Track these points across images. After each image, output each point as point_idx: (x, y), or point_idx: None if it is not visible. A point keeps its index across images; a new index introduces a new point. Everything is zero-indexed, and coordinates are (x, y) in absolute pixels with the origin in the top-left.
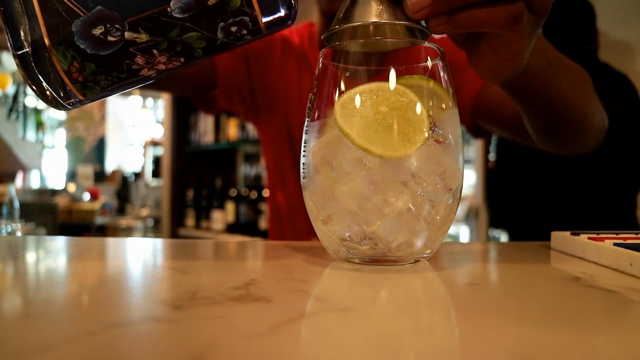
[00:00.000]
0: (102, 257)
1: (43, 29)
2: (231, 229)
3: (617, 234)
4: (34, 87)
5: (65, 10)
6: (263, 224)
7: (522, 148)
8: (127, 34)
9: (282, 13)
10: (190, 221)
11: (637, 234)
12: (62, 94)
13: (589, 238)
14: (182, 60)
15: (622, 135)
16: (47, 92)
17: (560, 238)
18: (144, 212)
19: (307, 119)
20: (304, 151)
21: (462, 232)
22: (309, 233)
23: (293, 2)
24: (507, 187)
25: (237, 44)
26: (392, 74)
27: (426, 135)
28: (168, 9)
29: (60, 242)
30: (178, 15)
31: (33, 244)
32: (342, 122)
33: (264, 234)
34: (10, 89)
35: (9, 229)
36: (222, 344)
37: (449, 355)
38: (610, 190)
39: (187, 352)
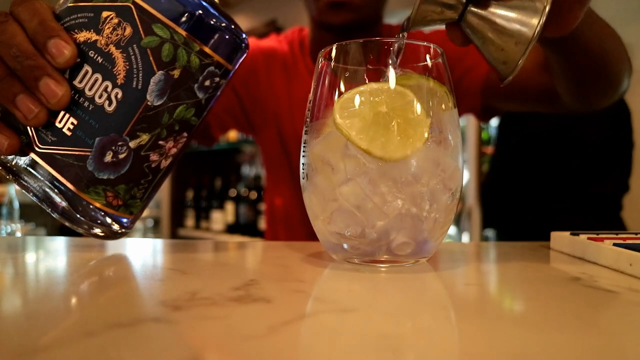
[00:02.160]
0: (101, 257)
1: (68, 184)
2: (231, 229)
3: (617, 234)
4: (89, 233)
5: (74, 159)
6: (263, 224)
7: (518, 148)
8: (131, 144)
9: (235, 44)
10: (190, 221)
11: (636, 234)
12: (113, 225)
13: (588, 238)
14: (185, 134)
15: (611, 138)
16: (101, 231)
17: (559, 238)
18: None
19: (306, 119)
20: (303, 152)
21: (452, 233)
22: (306, 239)
23: (238, 29)
24: (501, 185)
25: (218, 92)
26: (392, 74)
27: (426, 135)
28: (148, 103)
29: (60, 243)
30: (159, 103)
31: (33, 245)
32: (342, 122)
33: (263, 235)
34: None
35: (9, 230)
36: (221, 344)
37: (448, 355)
38: (598, 191)
39: (187, 352)
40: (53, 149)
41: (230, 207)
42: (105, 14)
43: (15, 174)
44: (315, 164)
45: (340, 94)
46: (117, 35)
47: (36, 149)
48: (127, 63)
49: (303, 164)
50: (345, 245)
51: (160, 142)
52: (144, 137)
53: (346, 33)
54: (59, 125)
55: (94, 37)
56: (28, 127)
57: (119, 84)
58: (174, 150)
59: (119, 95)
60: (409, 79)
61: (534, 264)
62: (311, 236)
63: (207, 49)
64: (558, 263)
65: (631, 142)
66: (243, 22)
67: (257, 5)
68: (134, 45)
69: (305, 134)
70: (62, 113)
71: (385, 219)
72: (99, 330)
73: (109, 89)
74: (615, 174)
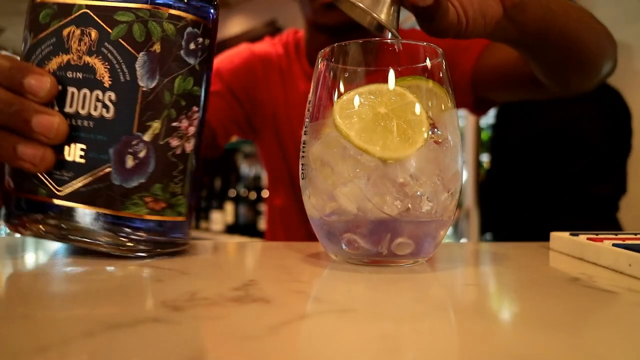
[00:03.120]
0: (100, 257)
1: (104, 211)
2: (230, 229)
3: (616, 234)
4: (152, 254)
5: (98, 182)
6: (262, 224)
7: (515, 151)
8: (146, 138)
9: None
10: None
11: (635, 234)
12: (167, 234)
13: (587, 239)
14: (196, 108)
15: (610, 139)
16: (160, 248)
17: (559, 238)
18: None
19: (306, 120)
20: (302, 152)
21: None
22: (305, 240)
23: None
24: (498, 185)
25: (208, 53)
26: (391, 74)
27: (425, 136)
28: (143, 88)
29: (59, 243)
30: (154, 84)
31: (32, 245)
32: (341, 123)
33: (263, 235)
34: None
35: (8, 230)
36: (221, 344)
37: (448, 356)
38: (595, 192)
39: (186, 353)
40: (75, 185)
41: (229, 207)
42: (66, 31)
43: (57, 235)
44: (315, 164)
45: (340, 94)
46: (86, 43)
47: (59, 194)
48: (107, 63)
49: (302, 164)
50: (344, 246)
51: (174, 124)
52: (156, 125)
53: (341, 34)
54: (70, 159)
55: (65, 57)
56: (43, 177)
57: (107, 86)
58: (192, 130)
59: (113, 97)
60: (408, 80)
61: (533, 264)
62: (310, 237)
63: (175, 12)
64: (557, 263)
65: (630, 144)
66: (243, 22)
67: (257, 5)
68: (105, 43)
69: (304, 134)
70: (67, 146)
71: (384, 219)
72: (99, 330)
73: (100, 97)
74: (613, 175)
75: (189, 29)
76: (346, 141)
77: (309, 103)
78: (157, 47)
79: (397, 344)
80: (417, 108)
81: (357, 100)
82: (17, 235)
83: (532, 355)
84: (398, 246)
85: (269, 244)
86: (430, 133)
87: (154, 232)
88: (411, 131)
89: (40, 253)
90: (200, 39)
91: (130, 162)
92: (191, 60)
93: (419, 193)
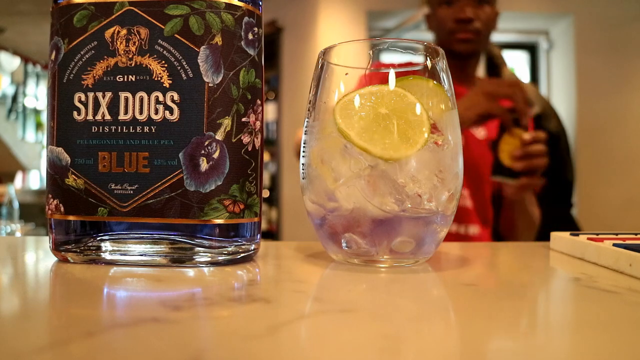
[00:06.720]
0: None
1: (178, 221)
2: None
3: (617, 234)
4: (229, 261)
5: (169, 190)
6: (263, 224)
7: None
8: (218, 136)
9: None
10: None
11: (636, 234)
12: (244, 237)
13: (588, 238)
14: (259, 102)
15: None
16: (237, 253)
17: (559, 239)
18: None
19: (306, 119)
20: (303, 152)
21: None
22: None
23: None
24: None
25: (261, 43)
26: (392, 74)
27: (426, 136)
28: (209, 84)
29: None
30: (220, 79)
31: (32, 245)
32: (342, 123)
33: (263, 235)
34: (10, 89)
35: (9, 230)
36: (221, 344)
37: (448, 356)
38: (549, 214)
39: (186, 353)
40: (141, 198)
41: None
42: (108, 32)
43: (126, 253)
44: (315, 164)
45: (341, 94)
46: (135, 43)
47: (122, 210)
48: (163, 61)
49: (303, 164)
50: (344, 246)
51: (244, 120)
52: (227, 122)
53: (464, 58)
54: (131, 170)
55: (112, 60)
56: (102, 194)
57: (167, 86)
58: (258, 124)
59: (175, 97)
60: (409, 80)
61: (534, 265)
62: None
63: (231, 0)
64: (557, 263)
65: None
66: None
67: None
68: (159, 41)
69: (304, 134)
70: (127, 156)
71: (384, 219)
72: (99, 330)
73: (161, 99)
74: (562, 205)
75: (246, 19)
76: (346, 141)
77: (309, 103)
78: (218, 40)
79: (397, 344)
80: (418, 108)
81: (357, 101)
82: (18, 234)
83: (532, 355)
84: (398, 244)
85: (270, 243)
86: (430, 133)
87: (233, 237)
88: (412, 131)
89: (40, 253)
90: (256, 29)
91: (204, 165)
92: (251, 51)
93: (419, 193)
